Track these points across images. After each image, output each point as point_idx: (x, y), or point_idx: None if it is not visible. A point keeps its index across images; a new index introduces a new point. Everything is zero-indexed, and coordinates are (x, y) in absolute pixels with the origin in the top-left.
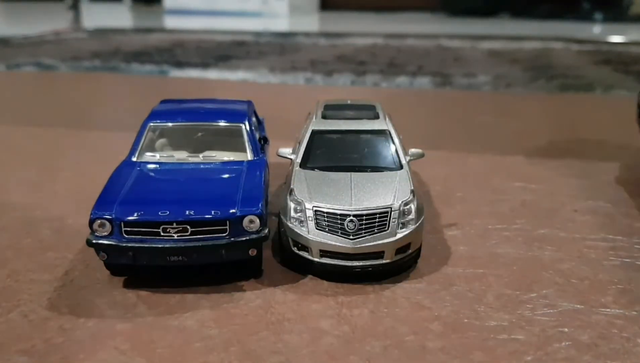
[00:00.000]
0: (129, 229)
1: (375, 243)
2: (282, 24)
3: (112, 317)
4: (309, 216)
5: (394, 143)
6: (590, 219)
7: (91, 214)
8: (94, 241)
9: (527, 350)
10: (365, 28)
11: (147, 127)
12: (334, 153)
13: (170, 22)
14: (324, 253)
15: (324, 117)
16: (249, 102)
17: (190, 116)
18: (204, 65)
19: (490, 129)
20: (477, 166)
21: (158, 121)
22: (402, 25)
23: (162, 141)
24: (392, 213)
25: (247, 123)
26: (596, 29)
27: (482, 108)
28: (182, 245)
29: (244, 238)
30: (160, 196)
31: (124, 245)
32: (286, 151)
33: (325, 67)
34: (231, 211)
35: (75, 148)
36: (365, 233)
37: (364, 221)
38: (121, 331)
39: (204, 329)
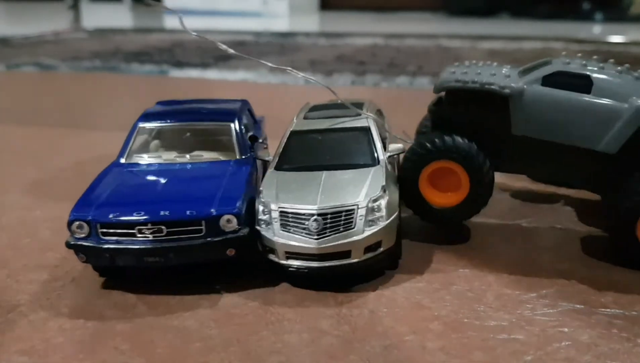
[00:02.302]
0: (105, 230)
1: (340, 242)
2: (282, 24)
3: (111, 317)
4: (274, 218)
5: (372, 139)
6: (591, 219)
7: (69, 216)
8: (72, 242)
9: (527, 349)
10: (365, 28)
11: (137, 129)
12: (310, 153)
13: (170, 22)
14: (289, 255)
15: (305, 118)
16: (244, 102)
17: (179, 116)
18: (204, 65)
19: None
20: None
21: (147, 123)
22: (402, 25)
23: (151, 142)
24: (359, 210)
25: (236, 122)
26: (596, 29)
27: None
28: (158, 246)
29: (220, 238)
30: (138, 198)
31: (101, 246)
32: (264, 154)
33: (325, 67)
34: (207, 211)
35: (75, 148)
36: (330, 232)
37: (328, 220)
38: (121, 331)
39: (204, 329)
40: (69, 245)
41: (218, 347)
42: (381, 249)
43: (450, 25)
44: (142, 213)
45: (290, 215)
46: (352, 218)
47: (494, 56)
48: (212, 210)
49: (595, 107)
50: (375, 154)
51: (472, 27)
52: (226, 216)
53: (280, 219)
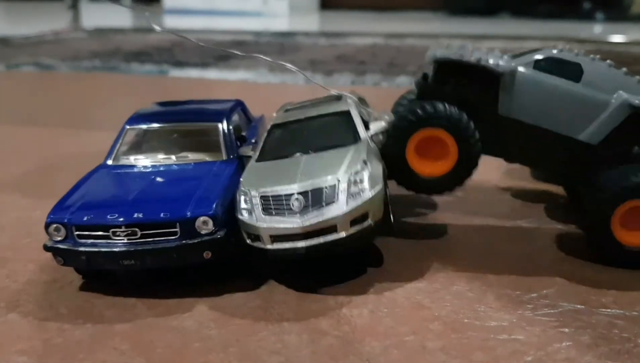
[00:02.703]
0: (80, 233)
1: (325, 217)
2: (282, 24)
3: (111, 317)
4: (255, 204)
5: (353, 120)
6: None
7: (47, 218)
8: (49, 245)
9: (527, 350)
10: (365, 28)
11: (124, 131)
12: (291, 142)
13: (170, 22)
14: (275, 239)
15: (286, 111)
16: (237, 102)
17: (167, 117)
18: (204, 65)
19: None
20: (477, 166)
21: (135, 124)
22: (402, 25)
23: (139, 143)
24: (340, 184)
25: (224, 123)
26: (597, 29)
27: None
28: (133, 249)
29: (196, 241)
30: (115, 200)
31: (78, 249)
32: (246, 149)
33: (325, 67)
34: (181, 212)
35: (76, 148)
36: (312, 209)
37: (309, 197)
38: (120, 331)
39: (203, 329)
40: (46, 248)
41: (217, 347)
42: (369, 221)
43: (451, 25)
44: (116, 215)
45: (271, 199)
46: (334, 193)
47: None
48: (187, 212)
49: (584, 97)
50: (357, 133)
51: (472, 27)
52: (202, 218)
53: (262, 204)
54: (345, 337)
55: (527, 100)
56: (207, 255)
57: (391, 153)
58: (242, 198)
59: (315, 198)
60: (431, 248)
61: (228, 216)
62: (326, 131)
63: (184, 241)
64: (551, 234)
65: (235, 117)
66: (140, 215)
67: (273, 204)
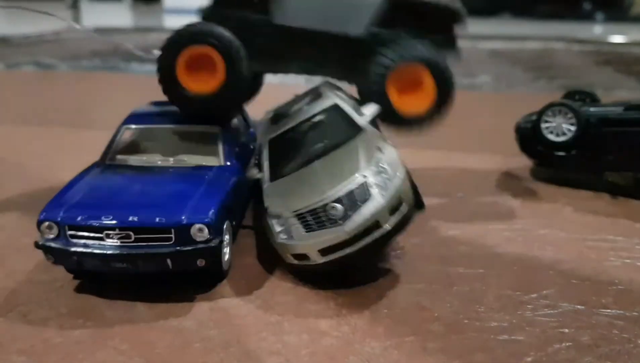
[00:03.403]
0: (73, 233)
1: (366, 217)
2: None
3: (111, 317)
4: (293, 224)
5: (344, 111)
6: (591, 220)
7: (39, 215)
8: (41, 243)
9: (527, 351)
10: None
11: (122, 130)
12: (294, 153)
13: (170, 21)
14: (324, 251)
15: (273, 123)
16: None
17: (166, 118)
18: None
19: (491, 129)
20: (477, 166)
21: (133, 124)
22: None
23: (137, 143)
24: (366, 179)
25: (223, 127)
26: (597, 29)
27: (482, 108)
28: (125, 252)
29: (190, 248)
30: (110, 201)
31: (69, 249)
32: (253, 172)
33: None
34: (177, 218)
35: (75, 148)
36: (351, 212)
37: (344, 202)
38: (120, 331)
39: (204, 329)
40: (37, 245)
41: (217, 347)
42: (404, 205)
43: None
44: (111, 217)
45: (308, 214)
46: (365, 189)
47: (495, 56)
48: (183, 218)
49: None
50: (354, 123)
51: (472, 27)
52: (197, 225)
53: (301, 223)
54: (345, 337)
55: (296, 4)
56: (201, 262)
57: (161, 66)
58: (275, 221)
59: (351, 201)
60: (431, 249)
61: (222, 223)
62: (324, 131)
63: (178, 248)
64: (551, 234)
65: (234, 122)
66: (135, 219)
67: (312, 219)
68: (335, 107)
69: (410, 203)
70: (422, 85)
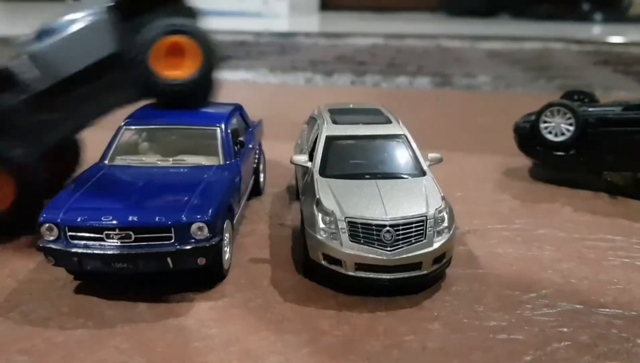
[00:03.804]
0: (73, 234)
1: (413, 254)
2: (282, 24)
3: (111, 317)
4: (341, 228)
5: (412, 147)
6: (590, 220)
7: (39, 217)
8: (41, 245)
9: (526, 350)
10: (365, 28)
11: (121, 131)
12: (352, 160)
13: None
14: (359, 266)
15: (334, 122)
16: (236, 106)
17: (165, 118)
18: None
19: (490, 129)
20: (477, 166)
21: (132, 124)
22: (402, 25)
23: (136, 144)
24: (428, 221)
25: (222, 127)
26: (596, 30)
27: (482, 108)
28: (126, 252)
29: (191, 246)
30: (109, 201)
31: (69, 250)
32: (301, 158)
33: (325, 67)
34: (176, 217)
35: None
36: (402, 243)
37: (400, 231)
38: (121, 330)
39: (204, 329)
40: (38, 247)
41: (218, 346)
42: (444, 260)
43: (450, 26)
44: (111, 217)
45: (360, 226)
46: (422, 229)
47: (494, 56)
48: (182, 217)
49: (80, 28)
50: (419, 164)
51: (472, 28)
52: (197, 224)
53: (350, 230)
54: (345, 337)
55: (53, 61)
56: (201, 261)
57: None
58: (322, 217)
59: (406, 233)
60: None
61: (222, 222)
62: (388, 155)
63: (178, 247)
64: (551, 234)
65: (233, 122)
66: (135, 218)
67: (362, 233)
68: (404, 139)
69: (449, 258)
70: (185, 51)
